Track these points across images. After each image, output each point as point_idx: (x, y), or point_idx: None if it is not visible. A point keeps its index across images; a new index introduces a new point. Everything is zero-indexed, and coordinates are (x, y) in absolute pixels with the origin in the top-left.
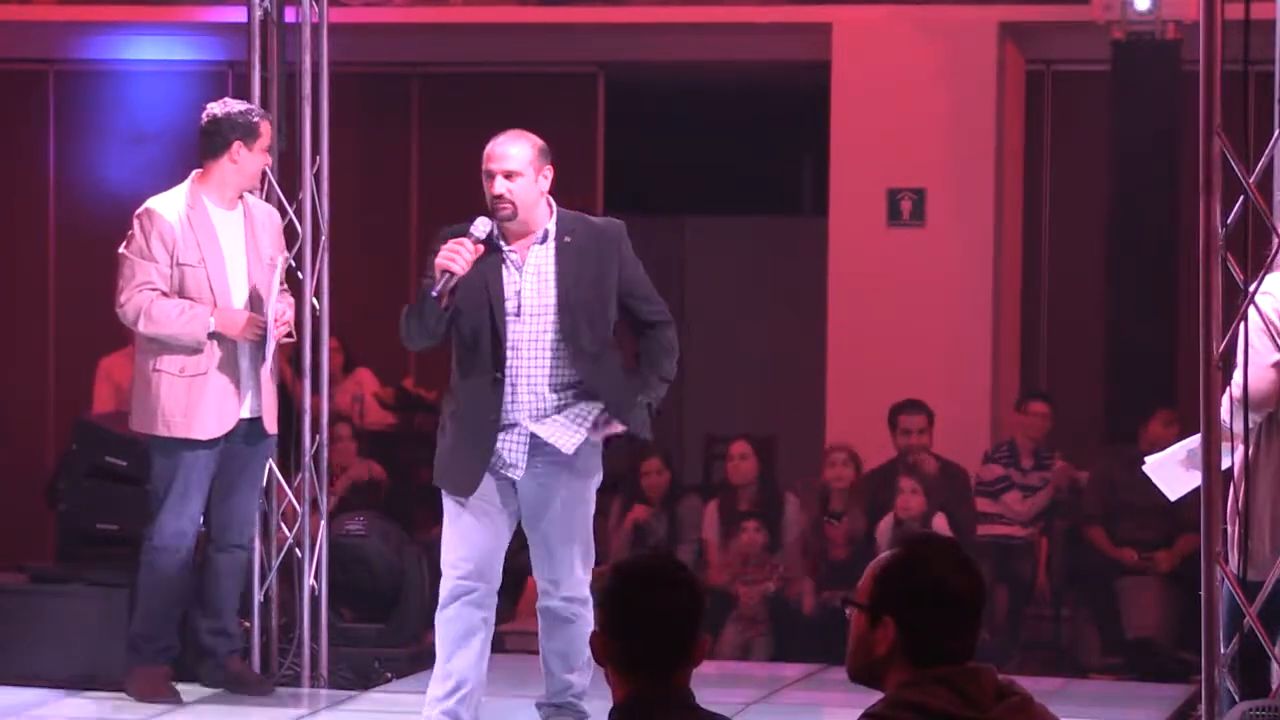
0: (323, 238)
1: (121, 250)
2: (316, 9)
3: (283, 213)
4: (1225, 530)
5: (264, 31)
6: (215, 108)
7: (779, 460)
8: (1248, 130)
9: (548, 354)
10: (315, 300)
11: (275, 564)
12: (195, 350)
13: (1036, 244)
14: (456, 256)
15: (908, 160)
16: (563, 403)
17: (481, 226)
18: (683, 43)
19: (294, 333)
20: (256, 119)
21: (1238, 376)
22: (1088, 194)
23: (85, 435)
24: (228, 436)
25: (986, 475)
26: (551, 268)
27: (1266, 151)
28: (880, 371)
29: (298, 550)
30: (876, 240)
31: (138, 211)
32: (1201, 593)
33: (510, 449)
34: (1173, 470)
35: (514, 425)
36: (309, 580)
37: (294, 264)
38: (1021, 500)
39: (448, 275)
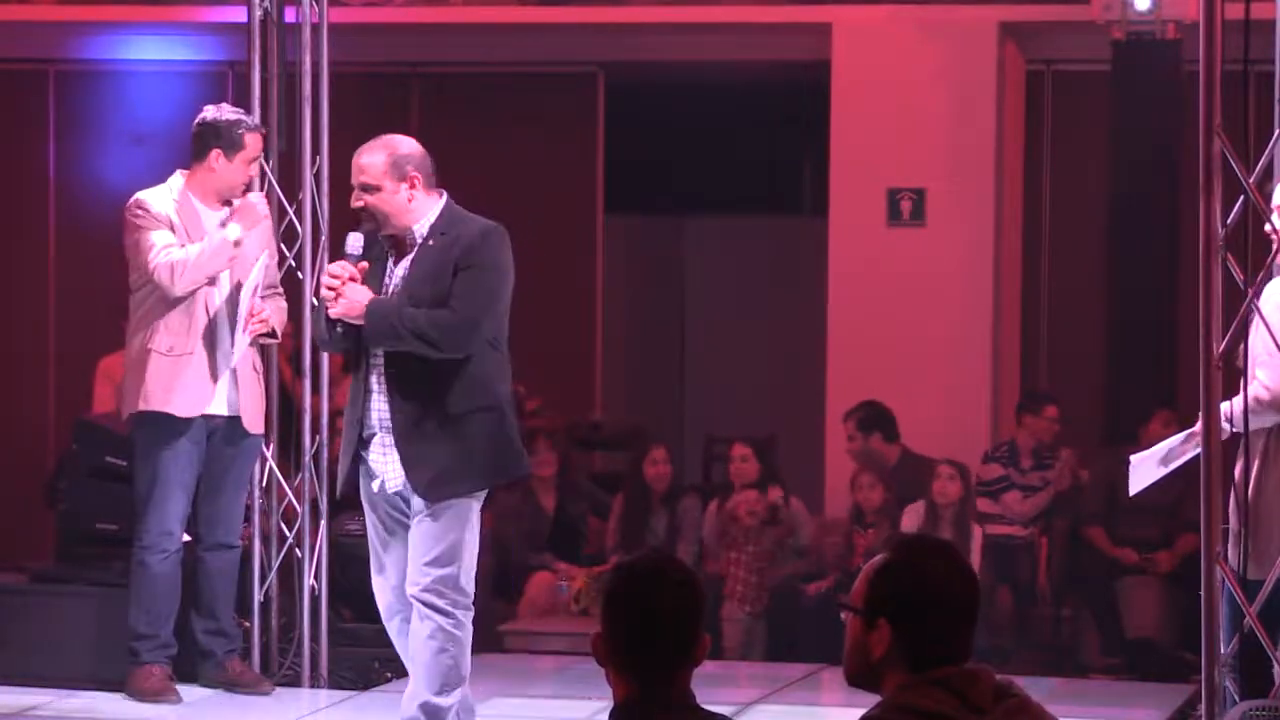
0: (323, 238)
1: (127, 238)
2: (316, 9)
3: (283, 213)
4: (1225, 530)
5: (264, 31)
6: (208, 111)
7: (779, 460)
8: (1248, 130)
9: (395, 362)
10: (315, 300)
11: (275, 564)
12: (184, 330)
13: (1036, 244)
14: (336, 284)
15: (908, 160)
16: (408, 414)
17: (352, 243)
18: (683, 43)
19: (276, 333)
20: (243, 132)
21: (1264, 378)
22: (1088, 194)
23: (85, 435)
24: (209, 436)
25: (986, 475)
26: (406, 273)
27: (1266, 151)
28: (880, 372)
29: (298, 550)
30: (876, 240)
31: (130, 204)
32: (1201, 593)
33: (377, 460)
34: (1147, 466)
35: (374, 435)
36: (309, 580)
37: (294, 264)
38: (1021, 500)
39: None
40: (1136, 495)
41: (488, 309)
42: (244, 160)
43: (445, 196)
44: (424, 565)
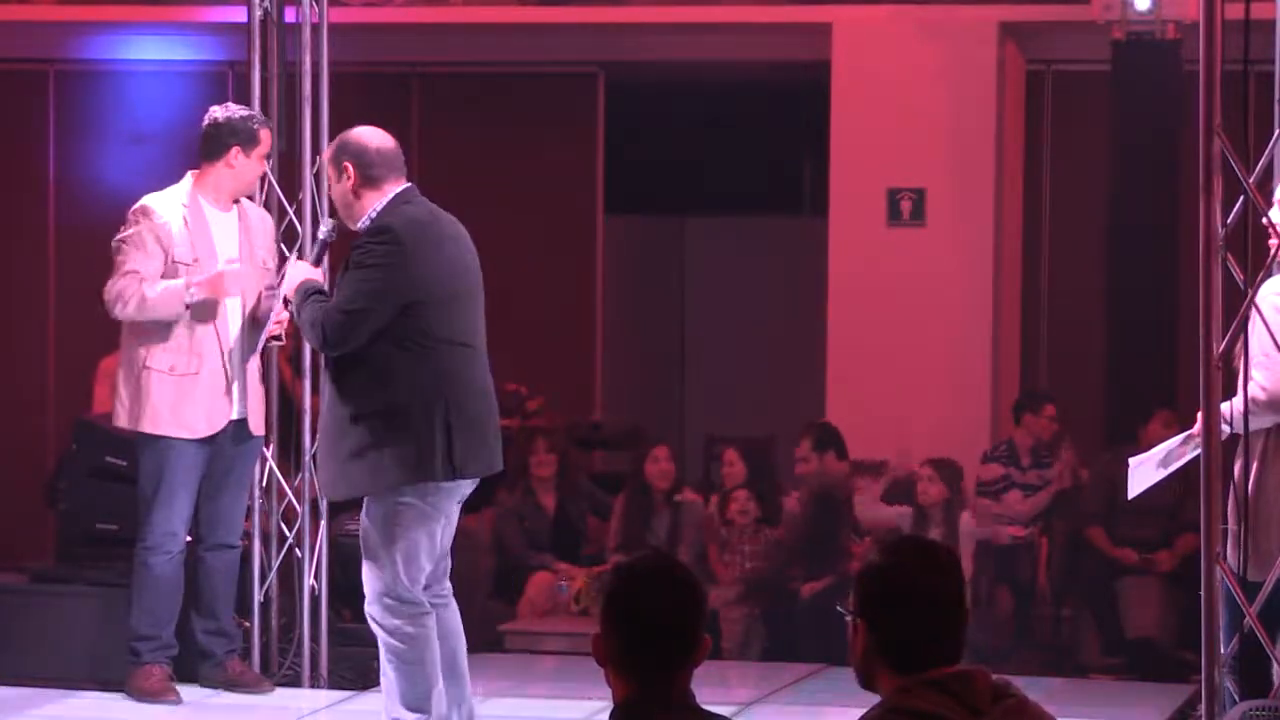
0: None
1: (115, 239)
2: (316, 9)
3: (282, 213)
4: (1225, 530)
5: (264, 31)
6: (217, 111)
7: (778, 460)
8: (1248, 130)
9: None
10: None
11: (275, 564)
12: (185, 349)
13: (1036, 244)
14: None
15: (908, 160)
16: (321, 412)
17: (323, 227)
18: (683, 43)
19: (284, 336)
20: (257, 126)
21: (1260, 379)
22: (1088, 194)
23: (85, 435)
24: (214, 437)
25: (986, 475)
26: None
27: (1266, 151)
28: (880, 372)
29: (298, 550)
30: (876, 240)
31: (134, 208)
32: (1201, 593)
33: None
34: (1146, 468)
35: None
36: (309, 580)
37: None
38: (1022, 500)
39: None
40: (1136, 496)
41: (351, 310)
42: (259, 155)
43: (397, 190)
44: (364, 580)
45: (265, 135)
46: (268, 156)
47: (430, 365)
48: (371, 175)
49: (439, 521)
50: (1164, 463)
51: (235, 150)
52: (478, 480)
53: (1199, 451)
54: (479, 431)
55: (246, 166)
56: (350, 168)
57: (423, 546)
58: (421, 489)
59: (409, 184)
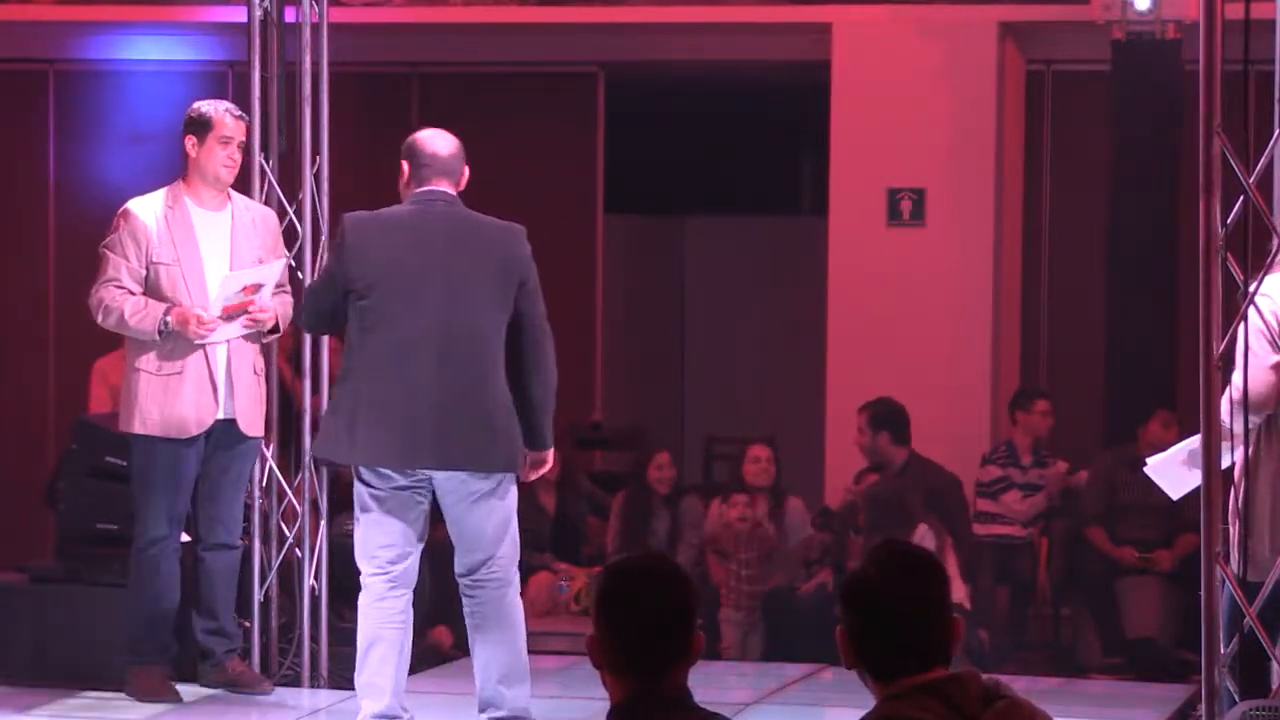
0: (323, 238)
1: (101, 246)
2: (316, 9)
3: (282, 213)
4: (1225, 530)
5: (264, 31)
6: None
7: (779, 461)
8: (1248, 130)
9: None
10: None
11: (275, 564)
12: (171, 349)
13: (1036, 244)
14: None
15: (908, 160)
16: None
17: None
18: (683, 43)
19: (280, 327)
20: (210, 112)
21: (1237, 378)
22: (1088, 194)
23: (85, 435)
24: (207, 437)
25: (985, 477)
26: None
27: (1266, 151)
28: (880, 372)
29: (298, 550)
30: (876, 240)
31: (119, 211)
32: (1201, 593)
33: None
34: (1174, 470)
35: None
36: (309, 580)
37: (294, 264)
38: (1021, 500)
39: None
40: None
41: (306, 292)
42: (216, 140)
43: (425, 189)
44: None
45: (222, 121)
46: (265, 158)
47: (361, 354)
48: (419, 175)
49: (385, 506)
50: (1190, 462)
51: (190, 140)
52: (456, 473)
53: (1236, 452)
54: (392, 423)
55: (203, 155)
56: (405, 165)
57: (366, 529)
58: (367, 472)
59: (441, 188)
